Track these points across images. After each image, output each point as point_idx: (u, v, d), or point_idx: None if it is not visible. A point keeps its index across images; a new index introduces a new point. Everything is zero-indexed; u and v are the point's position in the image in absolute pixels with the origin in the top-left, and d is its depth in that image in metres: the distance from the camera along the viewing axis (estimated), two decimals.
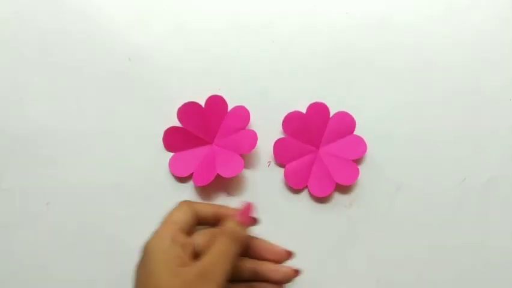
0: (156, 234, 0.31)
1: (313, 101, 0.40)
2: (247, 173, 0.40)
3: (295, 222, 0.39)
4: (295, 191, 0.39)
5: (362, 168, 0.40)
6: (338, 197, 0.40)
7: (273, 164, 0.40)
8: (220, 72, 0.42)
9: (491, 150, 0.41)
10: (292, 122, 0.39)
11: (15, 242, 0.38)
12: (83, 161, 0.40)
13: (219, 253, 0.30)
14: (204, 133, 0.39)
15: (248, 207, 0.33)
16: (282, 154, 0.39)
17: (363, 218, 0.39)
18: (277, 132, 0.40)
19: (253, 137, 0.38)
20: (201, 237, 0.33)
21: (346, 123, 0.40)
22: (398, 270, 0.39)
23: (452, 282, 0.39)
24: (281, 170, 0.40)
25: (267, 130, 0.40)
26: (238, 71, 0.42)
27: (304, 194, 0.40)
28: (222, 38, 0.42)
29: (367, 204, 0.40)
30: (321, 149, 0.40)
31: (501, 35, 0.43)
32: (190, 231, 0.33)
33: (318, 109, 0.40)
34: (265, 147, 0.40)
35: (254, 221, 0.34)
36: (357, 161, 0.40)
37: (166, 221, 0.32)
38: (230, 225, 0.32)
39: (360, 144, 0.39)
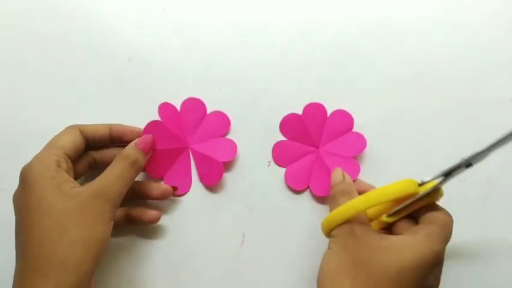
0: (38, 160, 0.31)
1: (314, 101, 0.40)
2: (247, 173, 0.40)
3: (295, 222, 0.39)
4: (296, 191, 0.39)
5: (362, 168, 0.40)
6: None
7: (273, 164, 0.40)
8: (220, 73, 0.42)
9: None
10: (289, 125, 0.39)
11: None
12: None
13: (116, 174, 0.31)
14: (180, 136, 0.39)
15: (149, 137, 0.35)
16: (281, 157, 0.39)
17: None
18: (278, 132, 0.40)
19: (232, 147, 0.39)
20: (84, 162, 0.35)
21: (344, 121, 0.40)
22: None
23: (452, 282, 0.39)
24: (281, 170, 0.40)
25: (267, 130, 0.40)
26: (238, 71, 0.42)
27: (305, 194, 0.40)
28: (222, 38, 0.42)
29: None
30: (321, 148, 0.40)
31: (501, 35, 0.43)
32: (77, 154, 0.33)
33: (315, 109, 0.40)
34: (265, 147, 0.40)
35: (150, 149, 0.35)
36: (358, 160, 0.40)
37: (50, 146, 0.32)
38: (130, 150, 0.33)
39: (359, 140, 0.39)
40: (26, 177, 0.30)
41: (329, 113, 0.40)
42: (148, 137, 0.35)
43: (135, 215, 0.36)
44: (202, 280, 0.38)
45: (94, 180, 0.31)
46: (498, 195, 0.40)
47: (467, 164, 0.30)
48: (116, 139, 0.36)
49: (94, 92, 0.41)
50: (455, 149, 0.41)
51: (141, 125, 0.40)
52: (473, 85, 0.42)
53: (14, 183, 0.40)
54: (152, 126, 0.37)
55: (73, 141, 0.33)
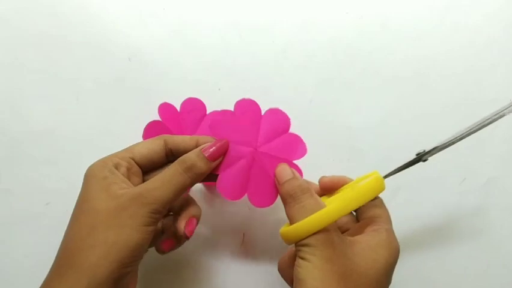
0: (99, 160, 0.30)
1: (314, 100, 0.40)
2: None
3: None
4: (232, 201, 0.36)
5: (361, 168, 0.40)
6: None
7: None
8: (220, 72, 0.42)
9: (491, 150, 0.41)
10: (221, 124, 0.34)
11: (15, 242, 0.38)
12: (83, 160, 0.40)
13: (163, 179, 0.29)
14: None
15: (221, 142, 0.31)
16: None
17: None
18: None
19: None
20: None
21: (280, 121, 0.35)
22: (398, 270, 0.39)
23: (452, 282, 0.39)
24: None
25: None
26: (238, 71, 0.42)
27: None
28: (222, 38, 0.42)
29: None
30: (258, 150, 0.34)
31: (500, 35, 0.43)
32: (153, 163, 0.31)
33: (248, 107, 0.35)
34: None
35: (219, 156, 0.31)
36: (354, 160, 0.40)
37: (123, 149, 0.31)
38: (189, 155, 0.30)
39: (299, 143, 0.34)
40: (85, 175, 0.30)
41: (263, 112, 0.35)
42: (219, 143, 0.31)
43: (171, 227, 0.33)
44: (202, 280, 0.38)
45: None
46: (498, 195, 0.40)
47: (421, 159, 0.31)
48: None
49: (94, 92, 0.41)
50: (455, 149, 0.41)
51: (141, 125, 0.40)
52: (473, 85, 0.42)
53: (14, 183, 0.40)
54: (152, 126, 0.37)
55: (149, 148, 0.31)
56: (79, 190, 0.39)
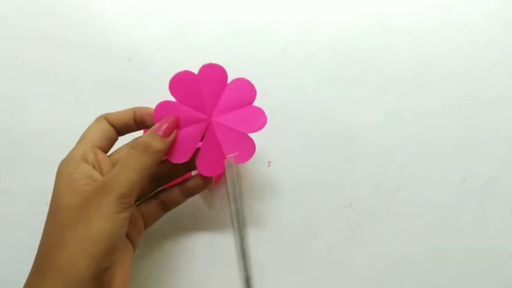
0: (67, 156, 0.30)
1: (314, 100, 0.40)
2: (246, 173, 0.40)
3: (295, 222, 0.39)
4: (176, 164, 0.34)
5: (361, 168, 0.40)
6: (337, 197, 0.40)
7: (273, 164, 0.40)
8: None
9: (491, 150, 0.41)
10: (181, 84, 0.33)
11: (15, 242, 0.38)
12: None
13: (123, 165, 0.29)
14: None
15: (172, 118, 0.32)
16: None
17: (363, 218, 0.39)
18: (278, 132, 0.40)
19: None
20: (124, 149, 0.33)
21: (245, 92, 0.34)
22: (398, 270, 0.39)
23: (452, 282, 0.39)
24: (281, 170, 0.40)
25: (268, 130, 0.40)
26: (238, 71, 0.42)
27: (305, 195, 0.40)
28: (222, 38, 0.42)
29: (367, 204, 0.40)
30: (214, 118, 0.33)
31: (500, 35, 0.43)
32: (110, 143, 0.32)
33: (213, 72, 0.34)
34: (265, 147, 0.40)
35: (172, 131, 0.31)
36: (354, 160, 0.40)
37: (80, 140, 0.31)
38: (144, 137, 0.30)
39: (259, 115, 0.34)
40: (56, 174, 0.29)
41: (229, 81, 0.34)
42: (167, 119, 0.31)
43: (190, 185, 0.34)
44: (202, 280, 0.38)
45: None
46: (498, 195, 0.40)
47: None
48: (140, 124, 0.33)
49: (94, 92, 0.41)
50: (455, 149, 0.41)
51: None
52: (473, 85, 0.42)
53: (14, 183, 0.40)
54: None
55: (101, 131, 0.32)
56: None
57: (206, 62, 0.42)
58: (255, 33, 0.42)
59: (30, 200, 0.39)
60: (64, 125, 0.40)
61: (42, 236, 0.28)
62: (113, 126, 0.33)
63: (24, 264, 0.38)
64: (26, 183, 0.39)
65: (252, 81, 0.41)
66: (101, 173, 0.30)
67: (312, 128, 0.41)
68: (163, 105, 0.33)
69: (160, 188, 0.35)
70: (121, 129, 0.33)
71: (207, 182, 0.35)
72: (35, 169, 0.39)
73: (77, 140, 0.40)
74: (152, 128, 0.31)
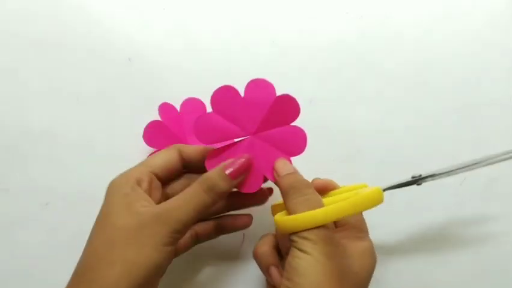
0: (120, 175, 0.30)
1: (314, 100, 0.40)
2: None
3: None
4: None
5: (362, 168, 0.40)
6: None
7: None
8: (220, 72, 0.42)
9: (491, 150, 0.41)
10: (224, 100, 0.32)
11: (15, 242, 0.38)
12: (83, 161, 0.40)
13: (184, 199, 0.28)
14: (181, 136, 0.37)
15: (244, 159, 0.31)
16: (206, 133, 0.32)
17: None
18: None
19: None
20: (182, 181, 0.33)
21: (289, 109, 0.32)
22: (398, 270, 0.39)
23: (452, 282, 0.39)
24: None
25: None
26: (238, 71, 0.42)
27: None
28: (222, 38, 0.42)
29: None
30: (256, 136, 0.33)
31: (500, 35, 0.43)
32: (171, 174, 0.32)
33: (259, 88, 0.33)
34: None
35: (241, 174, 0.30)
36: (354, 160, 0.40)
37: (141, 163, 0.31)
38: (210, 174, 0.29)
39: (300, 137, 0.32)
40: (107, 191, 0.29)
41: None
42: (239, 161, 0.30)
43: (227, 224, 0.34)
44: (202, 280, 0.38)
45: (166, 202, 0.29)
46: (498, 195, 0.40)
47: (416, 182, 0.32)
48: None
49: (94, 92, 0.41)
50: (455, 148, 0.41)
51: (141, 125, 0.40)
52: (473, 85, 0.42)
53: (14, 183, 0.40)
54: (152, 126, 0.37)
55: (166, 160, 0.31)
56: (78, 190, 0.39)
57: (206, 62, 0.42)
58: (255, 33, 0.42)
59: (29, 200, 0.39)
60: (64, 125, 0.40)
61: (87, 249, 0.28)
62: (183, 158, 0.32)
63: (24, 264, 0.38)
64: (26, 183, 0.39)
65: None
66: (155, 199, 0.30)
67: (312, 128, 0.41)
68: (204, 120, 0.32)
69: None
70: (190, 163, 0.32)
71: (243, 224, 0.34)
72: (35, 169, 0.39)
73: (77, 140, 0.40)
74: (223, 163, 0.30)
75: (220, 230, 0.35)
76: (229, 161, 0.30)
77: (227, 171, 0.29)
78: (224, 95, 0.32)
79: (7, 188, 0.39)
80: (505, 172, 0.40)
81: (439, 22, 0.43)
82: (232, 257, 0.39)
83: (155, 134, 0.38)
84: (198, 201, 0.28)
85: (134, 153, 0.40)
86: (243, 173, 0.31)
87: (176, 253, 0.33)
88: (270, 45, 0.42)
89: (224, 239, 0.39)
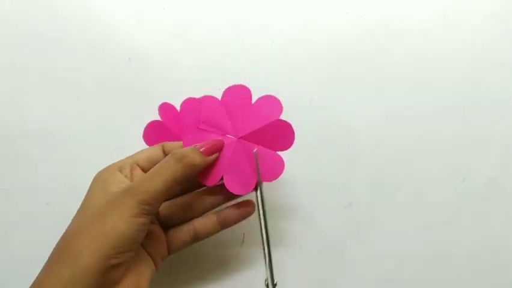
0: (107, 166, 0.31)
1: (314, 100, 0.40)
2: None
3: (295, 221, 0.39)
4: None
5: (362, 168, 0.40)
6: (337, 197, 0.40)
7: None
8: (220, 72, 0.42)
9: (491, 150, 0.41)
10: (206, 110, 0.34)
11: (15, 242, 0.38)
12: (83, 161, 0.40)
13: (154, 171, 0.29)
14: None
15: (214, 141, 0.32)
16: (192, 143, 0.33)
17: (363, 218, 0.39)
18: None
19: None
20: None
21: (271, 108, 0.34)
22: (398, 270, 0.39)
23: (452, 282, 0.39)
24: None
25: None
26: (238, 71, 0.42)
27: (305, 195, 0.40)
28: (222, 38, 0.42)
29: (367, 204, 0.40)
30: (241, 138, 0.34)
31: (500, 36, 0.43)
32: (153, 166, 0.32)
33: (237, 93, 0.35)
34: None
35: (213, 152, 0.32)
36: (354, 160, 0.40)
37: (127, 156, 0.32)
38: (184, 149, 0.31)
39: (287, 130, 0.33)
40: (93, 179, 0.31)
41: (254, 99, 0.35)
42: (214, 141, 0.32)
43: (229, 213, 0.34)
44: (202, 280, 0.38)
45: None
46: (498, 195, 0.40)
47: None
48: None
49: (94, 92, 0.41)
50: (456, 149, 0.41)
51: (141, 125, 0.40)
52: (473, 85, 0.42)
53: (14, 183, 0.40)
54: (152, 126, 0.37)
55: (149, 154, 0.33)
56: (78, 190, 0.39)
57: (206, 61, 0.42)
58: (255, 33, 0.42)
59: (29, 200, 0.39)
60: (64, 125, 0.40)
61: (62, 235, 0.29)
62: (166, 153, 0.33)
63: (24, 264, 0.38)
64: (26, 183, 0.39)
65: (253, 81, 0.40)
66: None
67: (312, 128, 0.41)
68: (192, 134, 0.34)
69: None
70: None
71: (245, 212, 0.34)
72: (35, 169, 0.39)
73: (77, 140, 0.40)
74: (195, 145, 0.32)
75: (223, 223, 0.35)
76: (203, 142, 0.32)
77: (201, 149, 0.31)
78: (207, 105, 0.35)
79: (7, 188, 0.39)
80: (505, 172, 0.41)
81: (439, 22, 0.43)
82: (232, 257, 0.39)
83: (155, 134, 0.38)
84: (168, 171, 0.29)
85: (134, 153, 0.40)
86: (217, 150, 0.32)
87: (174, 249, 0.34)
88: (270, 45, 0.42)
89: (224, 239, 0.39)
